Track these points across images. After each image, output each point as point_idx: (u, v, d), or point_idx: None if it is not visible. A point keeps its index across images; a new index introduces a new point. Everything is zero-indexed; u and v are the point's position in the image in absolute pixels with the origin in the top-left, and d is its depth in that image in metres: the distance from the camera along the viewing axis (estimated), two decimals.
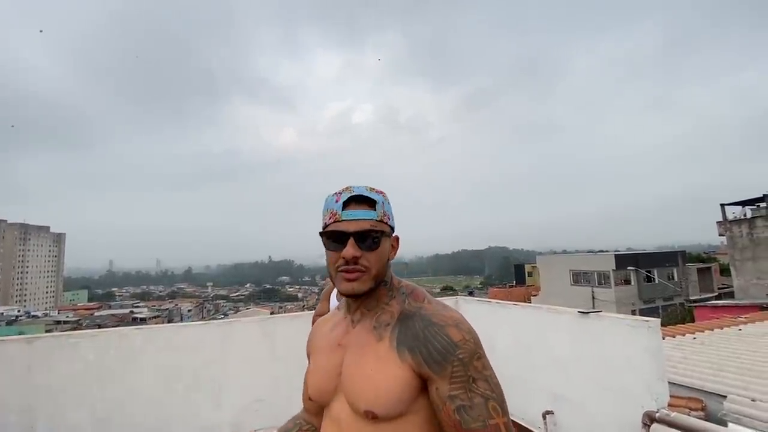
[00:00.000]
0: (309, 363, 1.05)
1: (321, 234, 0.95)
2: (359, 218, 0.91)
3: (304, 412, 1.12)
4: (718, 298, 22.30)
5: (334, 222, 0.92)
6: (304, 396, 1.07)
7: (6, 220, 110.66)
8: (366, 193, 0.94)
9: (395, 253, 1.00)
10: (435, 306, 0.94)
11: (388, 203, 0.98)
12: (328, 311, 2.66)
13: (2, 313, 63.23)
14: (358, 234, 0.90)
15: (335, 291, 2.74)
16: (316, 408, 1.03)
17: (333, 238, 0.92)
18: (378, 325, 0.93)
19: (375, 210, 0.93)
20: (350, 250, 0.89)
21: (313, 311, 2.85)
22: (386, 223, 0.95)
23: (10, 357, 2.86)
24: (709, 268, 29.70)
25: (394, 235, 0.99)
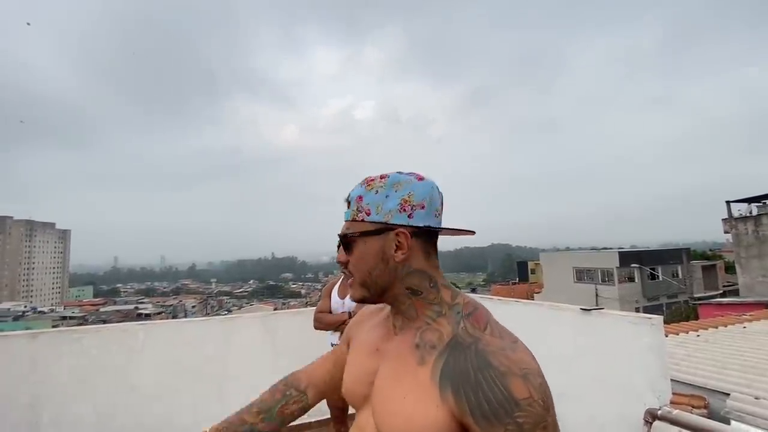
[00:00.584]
0: (348, 352, 0.96)
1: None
2: (345, 219, 0.83)
3: (303, 377, 1.04)
4: (722, 295, 22.13)
5: None
6: (319, 376, 1.03)
7: (12, 217, 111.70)
8: (352, 191, 0.83)
9: (404, 253, 0.78)
10: (499, 341, 0.72)
11: (375, 192, 0.79)
12: (330, 308, 2.68)
13: (9, 309, 63.88)
14: (341, 237, 0.83)
15: (336, 287, 2.75)
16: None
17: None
18: (422, 344, 0.76)
19: (349, 209, 0.82)
20: (339, 255, 0.86)
21: (315, 307, 2.86)
22: (363, 221, 0.79)
23: (14, 352, 2.89)
24: (714, 266, 29.50)
25: (397, 230, 0.78)
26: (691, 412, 2.60)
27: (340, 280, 2.77)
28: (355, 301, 0.84)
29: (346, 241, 0.81)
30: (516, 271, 56.21)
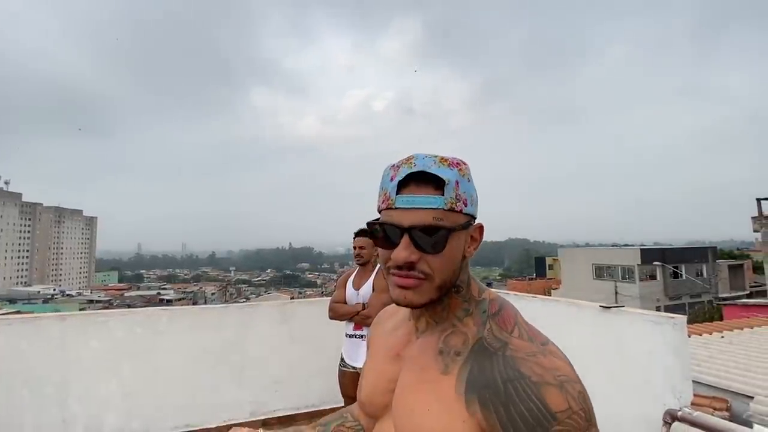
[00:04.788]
0: (367, 357, 0.89)
1: (368, 224, 0.70)
2: (419, 207, 0.63)
3: (356, 407, 0.94)
4: (749, 296, 21.46)
5: (387, 209, 0.66)
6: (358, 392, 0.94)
7: (42, 204, 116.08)
8: (432, 169, 0.64)
9: (475, 248, 0.69)
10: (529, 344, 0.63)
11: (467, 179, 0.67)
12: (345, 298, 2.70)
13: (39, 292, 66.92)
14: (417, 230, 0.63)
15: (351, 278, 2.77)
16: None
17: (384, 230, 0.66)
18: (446, 350, 0.67)
19: (443, 194, 0.63)
20: (402, 253, 0.63)
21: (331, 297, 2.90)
22: (460, 212, 0.64)
23: (45, 333, 3.02)
24: (741, 266, 28.64)
25: (475, 224, 0.69)
26: (713, 414, 2.54)
27: (355, 271, 2.80)
28: (415, 306, 0.68)
29: (439, 234, 0.63)
30: (533, 266, 55.62)
